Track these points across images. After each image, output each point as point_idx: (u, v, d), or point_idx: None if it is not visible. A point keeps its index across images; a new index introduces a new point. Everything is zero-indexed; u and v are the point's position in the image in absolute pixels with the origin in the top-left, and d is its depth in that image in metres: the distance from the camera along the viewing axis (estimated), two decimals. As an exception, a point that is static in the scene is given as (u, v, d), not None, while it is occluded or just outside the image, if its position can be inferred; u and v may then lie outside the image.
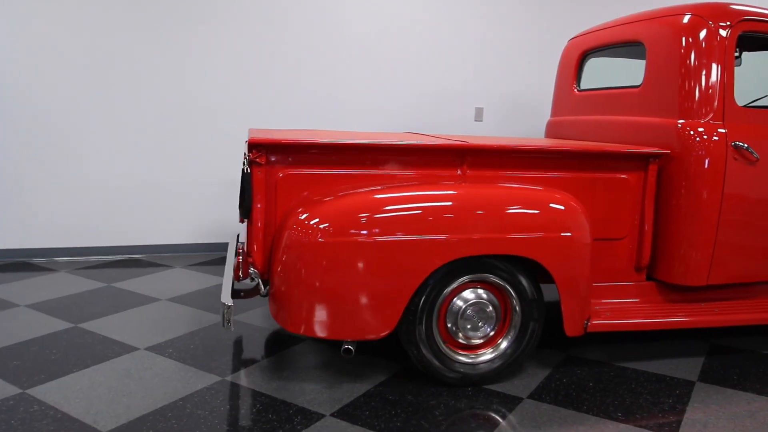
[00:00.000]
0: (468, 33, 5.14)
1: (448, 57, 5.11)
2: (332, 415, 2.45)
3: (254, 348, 3.11)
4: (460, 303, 2.68)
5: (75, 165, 4.58)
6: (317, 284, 2.47)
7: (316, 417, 2.43)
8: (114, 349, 3.03)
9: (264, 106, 4.82)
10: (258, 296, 3.56)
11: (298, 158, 2.63)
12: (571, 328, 2.75)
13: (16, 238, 4.54)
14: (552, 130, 4.08)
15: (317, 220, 2.48)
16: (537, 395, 2.66)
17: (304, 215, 2.51)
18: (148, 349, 3.05)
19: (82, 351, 2.98)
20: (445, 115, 5.14)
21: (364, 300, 2.49)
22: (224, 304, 2.52)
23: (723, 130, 2.96)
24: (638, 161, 2.98)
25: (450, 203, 2.57)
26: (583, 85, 3.93)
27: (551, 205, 2.68)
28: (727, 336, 3.42)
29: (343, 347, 2.55)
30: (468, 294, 2.69)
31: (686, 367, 2.99)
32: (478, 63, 5.17)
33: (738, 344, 3.31)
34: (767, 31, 3.06)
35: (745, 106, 3.06)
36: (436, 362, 2.68)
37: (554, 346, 3.21)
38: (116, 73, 4.54)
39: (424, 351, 2.66)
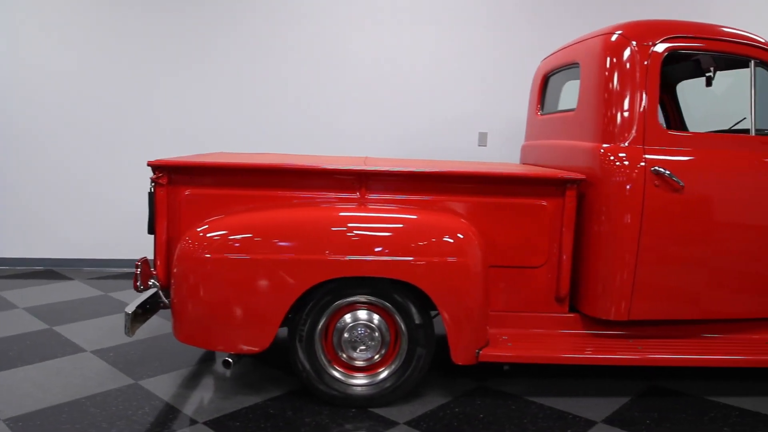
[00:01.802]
0: (471, 58, 5.12)
1: (452, 83, 5.11)
2: (205, 423, 2.58)
3: (187, 357, 3.30)
4: (346, 323, 2.72)
5: (97, 183, 5.10)
6: (199, 297, 2.62)
7: (189, 423, 2.57)
8: (65, 349, 3.36)
9: (266, 131, 5.09)
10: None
11: (203, 179, 2.81)
12: (458, 356, 2.68)
13: (45, 249, 5.13)
14: (523, 155, 3.98)
15: (204, 237, 2.64)
16: (416, 422, 2.62)
17: (194, 232, 2.68)
18: (93, 351, 3.35)
19: (38, 350, 3.34)
20: (449, 141, 5.13)
21: (240, 315, 2.60)
22: (126, 312, 2.74)
23: (642, 155, 2.78)
24: (555, 187, 2.87)
25: (328, 225, 2.64)
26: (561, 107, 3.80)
27: (436, 229, 2.66)
28: (674, 378, 3.14)
29: (223, 359, 2.68)
30: (356, 315, 2.73)
31: (600, 407, 2.79)
32: (482, 88, 5.12)
33: (682, 387, 3.03)
34: (701, 49, 2.85)
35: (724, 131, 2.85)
36: (317, 380, 2.72)
37: (472, 375, 3.12)
38: (131, 99, 5.03)
39: (307, 368, 2.72)
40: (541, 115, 3.75)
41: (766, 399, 2.92)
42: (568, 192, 2.85)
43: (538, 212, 2.87)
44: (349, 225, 2.64)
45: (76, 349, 3.38)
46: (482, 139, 5.12)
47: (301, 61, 5.06)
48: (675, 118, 3.90)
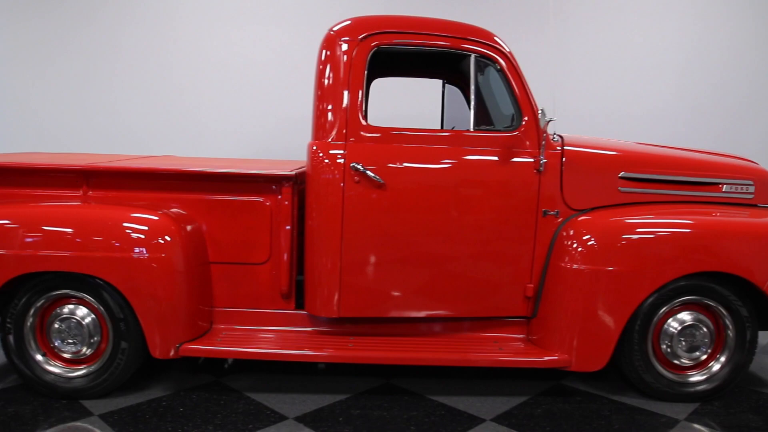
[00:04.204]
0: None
1: (307, 82, 5.12)
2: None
3: None
4: (56, 317, 2.80)
5: None
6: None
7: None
8: None
9: (129, 130, 5.23)
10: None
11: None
12: (155, 350, 2.74)
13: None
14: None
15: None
16: (109, 414, 2.68)
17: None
18: None
19: None
20: (305, 140, 5.15)
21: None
22: None
23: (343, 152, 2.77)
24: (272, 184, 2.89)
25: (26, 222, 2.72)
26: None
27: (133, 226, 2.72)
28: (413, 376, 3.10)
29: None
30: (69, 310, 2.80)
31: (307, 403, 2.80)
32: (340, 86, 5.15)
33: (414, 386, 3.01)
34: (414, 44, 2.83)
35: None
36: (27, 371, 2.80)
37: (214, 372, 3.15)
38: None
39: (17, 359, 2.79)
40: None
41: (485, 399, 2.88)
42: (284, 189, 2.87)
43: (258, 209, 2.90)
44: (34, 221, 2.72)
45: None
46: (342, 137, 5.13)
47: (158, 60, 5.18)
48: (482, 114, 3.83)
